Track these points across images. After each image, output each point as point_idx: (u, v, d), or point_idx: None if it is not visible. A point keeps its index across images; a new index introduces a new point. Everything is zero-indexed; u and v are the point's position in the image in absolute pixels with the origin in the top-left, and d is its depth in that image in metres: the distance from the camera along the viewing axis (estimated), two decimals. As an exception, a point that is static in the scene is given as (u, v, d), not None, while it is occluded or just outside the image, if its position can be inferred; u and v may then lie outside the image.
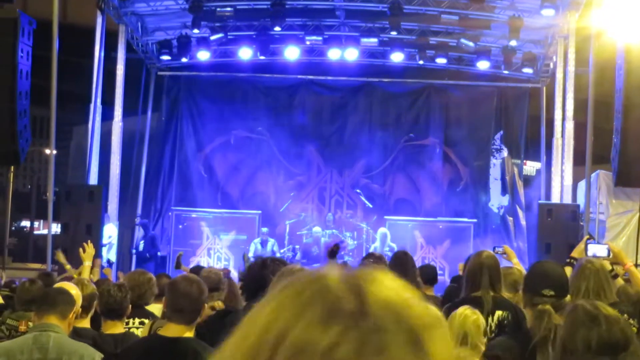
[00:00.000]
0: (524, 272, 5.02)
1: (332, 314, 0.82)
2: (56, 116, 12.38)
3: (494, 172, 17.94)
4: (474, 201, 17.54)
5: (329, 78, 18.09)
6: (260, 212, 16.46)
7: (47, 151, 25.95)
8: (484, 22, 15.51)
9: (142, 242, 15.91)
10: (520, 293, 4.21)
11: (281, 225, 16.85)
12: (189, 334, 3.66)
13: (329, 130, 17.96)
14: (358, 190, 17.55)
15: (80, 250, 6.64)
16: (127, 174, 16.91)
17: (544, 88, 17.32)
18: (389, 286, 0.87)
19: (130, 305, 4.84)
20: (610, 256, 5.30)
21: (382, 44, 16.64)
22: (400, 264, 5.77)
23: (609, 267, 5.10)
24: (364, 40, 16.46)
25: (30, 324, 4.57)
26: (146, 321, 4.91)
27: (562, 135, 14.93)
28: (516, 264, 6.09)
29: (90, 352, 4.00)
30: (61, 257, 8.64)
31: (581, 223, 13.28)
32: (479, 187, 17.79)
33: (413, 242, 15.47)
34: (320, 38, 16.58)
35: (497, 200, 17.86)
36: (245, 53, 16.73)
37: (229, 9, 15.49)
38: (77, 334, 4.33)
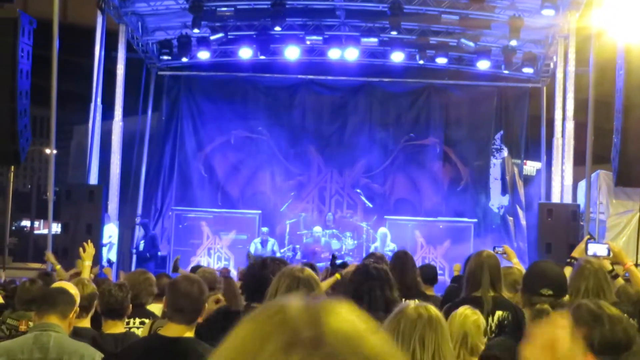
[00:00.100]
0: (524, 272, 5.02)
1: (292, 343, 0.89)
2: (56, 116, 12.38)
3: (494, 172, 17.95)
4: (474, 201, 17.54)
5: (329, 78, 18.09)
6: (260, 211, 16.46)
7: (48, 151, 25.96)
8: (484, 22, 15.51)
9: (142, 241, 15.91)
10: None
11: (281, 225, 16.85)
12: (190, 333, 3.66)
13: (329, 130, 17.97)
14: (358, 190, 17.55)
15: (80, 249, 6.64)
16: (128, 173, 16.91)
17: (544, 88, 17.32)
18: (346, 317, 0.94)
19: (131, 305, 4.85)
20: (611, 255, 5.30)
21: (383, 43, 16.64)
22: (401, 263, 5.78)
23: (610, 267, 5.10)
24: (364, 40, 16.46)
25: (31, 323, 4.57)
26: (146, 321, 4.91)
27: (563, 135, 14.93)
28: (516, 263, 6.09)
29: (90, 352, 4.00)
30: (51, 257, 8.65)
31: (581, 223, 13.28)
32: (479, 187, 17.79)
33: (413, 242, 15.46)
34: (320, 38, 16.58)
35: (497, 200, 17.87)
36: (245, 53, 16.73)
37: (229, 8, 15.49)
38: (77, 333, 4.33)
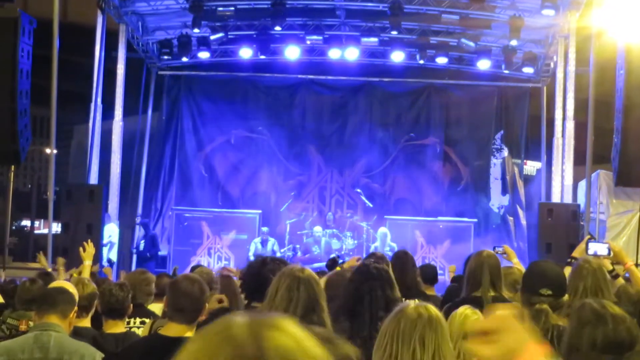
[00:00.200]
0: (524, 271, 5.02)
1: (237, 357, 0.97)
2: (56, 115, 12.38)
3: (495, 172, 17.95)
4: (474, 201, 17.54)
5: (330, 78, 18.09)
6: (260, 211, 16.46)
7: (48, 150, 25.97)
8: (484, 22, 15.50)
9: (142, 241, 15.91)
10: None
11: (281, 225, 16.86)
12: (190, 333, 3.66)
13: (329, 129, 17.97)
14: (358, 190, 17.55)
15: (80, 249, 6.64)
16: (128, 173, 16.91)
17: (545, 88, 17.32)
18: (288, 333, 1.01)
19: (131, 305, 4.85)
20: (611, 255, 5.30)
21: (383, 43, 16.63)
22: (401, 263, 5.77)
23: (610, 267, 5.10)
24: (365, 39, 16.45)
25: (31, 323, 4.57)
26: (147, 321, 4.91)
27: (563, 135, 14.93)
28: (516, 263, 6.09)
29: (91, 352, 4.00)
30: (42, 260, 8.62)
31: (581, 223, 13.28)
32: (480, 187, 17.79)
33: (413, 242, 15.45)
34: (320, 38, 16.58)
35: (497, 200, 17.87)
36: (245, 52, 16.73)
37: (229, 8, 15.48)
38: (77, 333, 4.33)
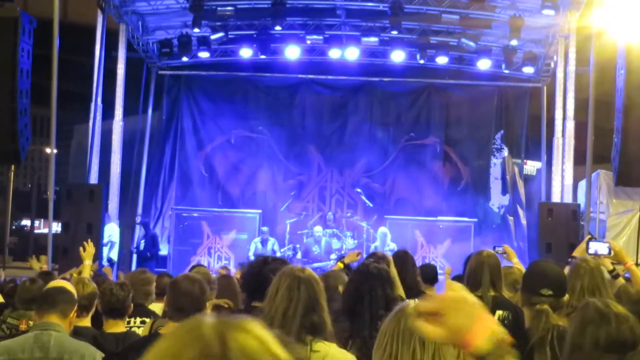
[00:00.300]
0: (524, 271, 5.02)
1: (204, 355, 1.03)
2: (57, 115, 12.37)
3: (495, 172, 17.96)
4: (475, 200, 17.54)
5: (330, 77, 18.09)
6: (260, 211, 16.46)
7: (48, 150, 25.97)
8: (484, 22, 15.50)
9: (142, 241, 15.92)
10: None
11: (282, 225, 16.86)
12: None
13: (329, 129, 17.97)
14: (358, 190, 17.55)
15: (81, 249, 6.64)
16: (128, 173, 16.92)
17: (545, 87, 17.32)
18: (253, 334, 1.07)
19: (132, 304, 4.84)
20: (612, 254, 5.30)
21: (383, 43, 16.63)
22: (401, 263, 5.77)
23: (611, 267, 5.09)
24: (365, 39, 16.45)
25: (31, 322, 4.56)
26: (147, 320, 4.91)
27: (563, 135, 14.93)
28: (516, 263, 6.09)
29: (91, 351, 4.00)
30: (35, 263, 8.59)
31: (582, 222, 13.28)
32: (480, 187, 17.80)
33: (413, 242, 15.45)
34: (320, 37, 16.58)
35: (497, 200, 17.87)
36: (245, 52, 16.73)
37: (229, 8, 15.49)
38: (77, 333, 4.33)
